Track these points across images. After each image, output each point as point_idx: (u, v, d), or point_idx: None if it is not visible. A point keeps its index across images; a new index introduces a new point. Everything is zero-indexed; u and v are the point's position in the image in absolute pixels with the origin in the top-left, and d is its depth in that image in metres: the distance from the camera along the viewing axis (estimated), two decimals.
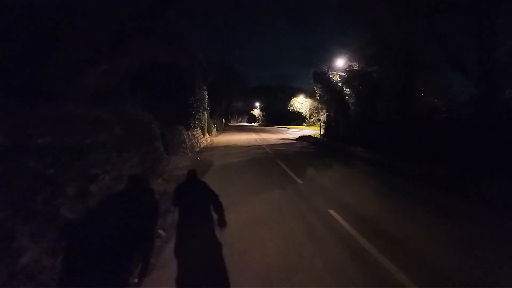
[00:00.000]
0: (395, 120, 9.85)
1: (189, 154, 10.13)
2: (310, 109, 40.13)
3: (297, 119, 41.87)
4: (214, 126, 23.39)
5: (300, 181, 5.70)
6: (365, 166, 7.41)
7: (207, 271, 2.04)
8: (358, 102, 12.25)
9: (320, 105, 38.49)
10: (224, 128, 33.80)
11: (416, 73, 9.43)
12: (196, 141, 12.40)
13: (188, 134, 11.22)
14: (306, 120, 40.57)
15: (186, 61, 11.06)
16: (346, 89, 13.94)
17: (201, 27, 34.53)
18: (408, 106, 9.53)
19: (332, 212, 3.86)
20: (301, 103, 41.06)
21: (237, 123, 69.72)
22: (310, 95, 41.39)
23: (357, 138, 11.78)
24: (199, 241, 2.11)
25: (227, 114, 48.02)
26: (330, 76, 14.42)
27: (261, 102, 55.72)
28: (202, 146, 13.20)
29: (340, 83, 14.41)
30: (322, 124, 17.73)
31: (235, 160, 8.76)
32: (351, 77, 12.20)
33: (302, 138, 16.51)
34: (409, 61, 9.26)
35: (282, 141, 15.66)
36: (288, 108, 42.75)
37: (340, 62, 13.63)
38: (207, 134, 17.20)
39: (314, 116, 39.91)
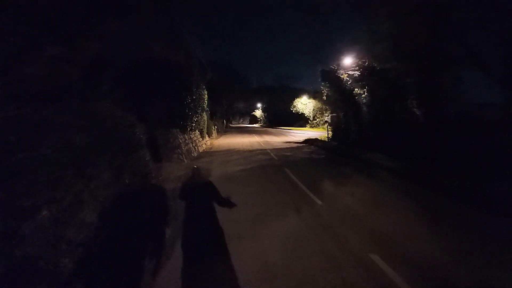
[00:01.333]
0: (419, 122, 8.66)
1: (185, 160, 8.99)
2: (313, 110, 38.98)
3: (300, 120, 40.74)
4: (215, 128, 22.28)
5: (318, 201, 4.52)
6: (391, 177, 6.21)
7: None
8: (372, 103, 11.06)
9: (324, 106, 37.30)
10: (225, 130, 32.70)
11: (442, 70, 8.25)
12: (194, 145, 11.27)
13: (185, 137, 10.09)
14: (310, 122, 39.41)
15: (182, 57, 9.94)
16: (357, 89, 12.78)
17: (202, 25, 33.59)
18: (434, 107, 8.34)
19: (376, 258, 2.69)
20: (304, 104, 39.94)
21: (239, 124, 68.75)
22: (314, 95, 40.33)
23: (371, 143, 10.59)
24: None
25: (228, 115, 46.99)
26: (340, 74, 13.25)
27: (263, 103, 54.68)
28: (200, 151, 12.06)
29: (350, 82, 13.25)
30: (329, 126, 16.52)
31: (236, 169, 7.60)
32: (364, 75, 11.02)
33: (308, 141, 15.33)
34: (434, 57, 8.08)
35: (287, 145, 14.48)
36: (291, 109, 41.64)
37: (351, 60, 12.47)
38: (206, 137, 16.07)
39: (318, 118, 38.75)
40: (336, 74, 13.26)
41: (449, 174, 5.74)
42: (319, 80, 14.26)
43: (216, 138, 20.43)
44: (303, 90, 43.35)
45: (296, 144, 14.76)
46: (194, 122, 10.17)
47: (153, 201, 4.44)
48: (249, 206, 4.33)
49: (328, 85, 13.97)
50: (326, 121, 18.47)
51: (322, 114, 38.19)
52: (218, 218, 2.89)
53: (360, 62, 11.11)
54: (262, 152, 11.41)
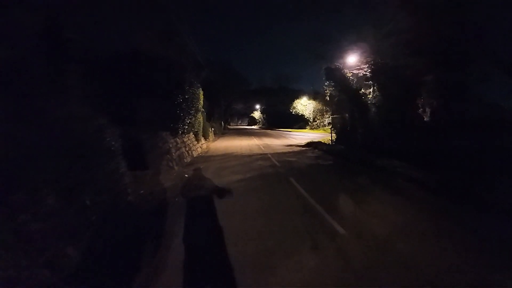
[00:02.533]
0: (438, 123, 7.66)
1: (176, 168, 7.91)
2: (314, 111, 38.08)
3: (300, 121, 39.81)
4: (211, 130, 21.20)
5: (339, 228, 3.46)
6: (420, 192, 5.17)
7: None
8: (382, 103, 10.07)
9: (325, 108, 36.48)
10: (223, 132, 31.63)
11: (467, 66, 7.27)
12: (187, 149, 10.19)
13: (176, 141, 9.01)
14: (310, 123, 38.49)
15: (174, 51, 8.90)
16: (365, 89, 11.81)
17: (200, 24, 32.60)
18: (457, 107, 7.35)
19: None
20: (304, 105, 39.06)
21: (237, 126, 67.81)
22: (314, 96, 39.44)
23: (382, 146, 9.58)
24: None
25: (227, 117, 45.99)
26: (346, 73, 12.26)
27: (261, 104, 53.78)
28: (195, 155, 10.98)
29: (356, 81, 12.28)
30: (332, 128, 15.49)
31: (233, 179, 6.53)
32: (374, 72, 10.04)
33: (311, 144, 14.30)
34: (458, 52, 7.10)
35: (289, 149, 13.44)
36: (291, 110, 40.74)
37: (358, 56, 11.50)
38: (202, 140, 15.00)
39: (318, 119, 37.82)
40: (342, 72, 12.28)
41: (489, 187, 4.72)
42: (323, 78, 13.26)
43: (213, 141, 19.36)
44: (302, 91, 42.52)
45: (299, 148, 13.72)
46: (186, 124, 9.11)
47: (116, 234, 3.35)
48: (249, 236, 3.26)
49: (333, 84, 12.97)
50: (329, 123, 17.45)
51: (322, 115, 37.29)
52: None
53: (369, 59, 10.13)
54: (263, 157, 10.36)
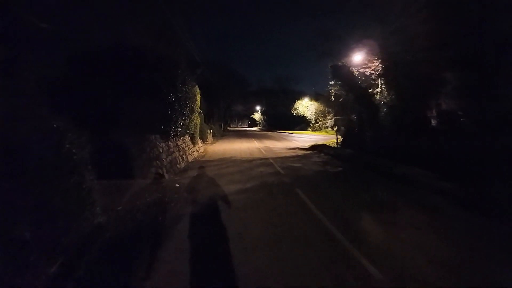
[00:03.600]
0: (466, 125, 6.73)
1: (166, 175, 6.98)
2: (316, 112, 37.19)
3: (301, 123, 38.89)
4: (210, 132, 20.29)
5: (372, 270, 2.52)
6: (460, 210, 4.23)
7: None
8: (397, 103, 9.15)
9: (327, 109, 35.58)
10: (223, 134, 30.73)
11: (502, 56, 6.34)
12: (181, 154, 9.27)
13: (168, 145, 8.09)
14: (311, 125, 37.56)
15: (165, 44, 8.01)
16: (372, 88, 10.93)
17: (200, 24, 31.84)
18: (490, 106, 6.42)
19: None
20: (306, 106, 38.21)
21: (237, 127, 67.04)
22: (316, 97, 38.57)
23: (395, 150, 8.66)
24: None
25: (226, 118, 45.14)
26: (353, 71, 11.38)
27: (262, 106, 52.98)
28: (190, 160, 10.05)
29: (364, 78, 11.40)
30: (336, 130, 14.56)
31: (231, 189, 5.60)
32: (388, 68, 9.14)
33: (316, 147, 13.37)
34: (492, 40, 6.19)
35: (292, 152, 12.51)
36: (292, 111, 39.86)
37: (367, 53, 10.62)
38: (199, 143, 14.08)
39: (320, 121, 36.91)
40: (349, 70, 11.39)
41: None
42: (329, 77, 12.39)
43: (212, 143, 18.44)
44: (303, 92, 41.72)
45: (303, 151, 12.79)
46: (179, 126, 8.19)
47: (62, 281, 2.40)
48: (249, 282, 2.32)
49: (339, 83, 12.08)
50: (335, 125, 16.52)
51: (324, 117, 36.35)
52: None
53: (380, 54, 9.24)
54: (264, 162, 9.43)
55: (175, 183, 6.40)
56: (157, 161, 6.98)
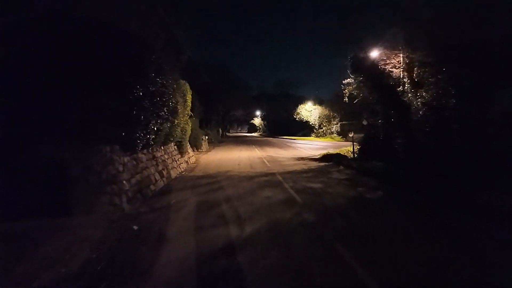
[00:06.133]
0: None
1: (126, 206, 4.63)
2: (319, 117, 35.00)
3: (304, 129, 36.69)
4: (205, 138, 18.00)
5: None
6: None
7: None
8: (455, 98, 6.85)
9: (332, 113, 33.40)
10: (221, 140, 28.48)
11: None
12: (160, 168, 6.93)
13: (137, 159, 5.77)
14: (315, 130, 35.32)
15: (134, 21, 5.80)
16: (402, 86, 8.74)
17: (198, 26, 30.03)
18: None
19: None
20: (309, 111, 36.07)
21: (237, 133, 65.05)
22: (320, 101, 36.47)
23: (450, 163, 6.41)
24: None
25: (225, 123, 42.98)
26: (381, 63, 9.18)
27: (262, 111, 50.98)
28: (173, 176, 7.72)
29: (393, 73, 9.24)
30: (352, 135, 12.24)
31: (219, 243, 3.24)
32: (434, 55, 6.90)
33: (330, 158, 11.05)
34: None
35: (302, 164, 10.19)
36: (294, 116, 37.73)
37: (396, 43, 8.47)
38: (189, 152, 11.77)
39: (324, 126, 34.69)
40: (375, 62, 9.19)
41: None
42: (348, 71, 10.17)
43: (207, 151, 16.11)
44: (305, 97, 39.68)
45: (315, 163, 10.44)
46: (153, 132, 5.86)
47: None
48: None
49: (361, 78, 9.84)
50: (350, 131, 14.22)
51: (329, 122, 34.11)
52: None
53: (425, 37, 7.03)
54: (270, 180, 7.09)
55: (134, 223, 4.04)
56: (113, 185, 4.64)
